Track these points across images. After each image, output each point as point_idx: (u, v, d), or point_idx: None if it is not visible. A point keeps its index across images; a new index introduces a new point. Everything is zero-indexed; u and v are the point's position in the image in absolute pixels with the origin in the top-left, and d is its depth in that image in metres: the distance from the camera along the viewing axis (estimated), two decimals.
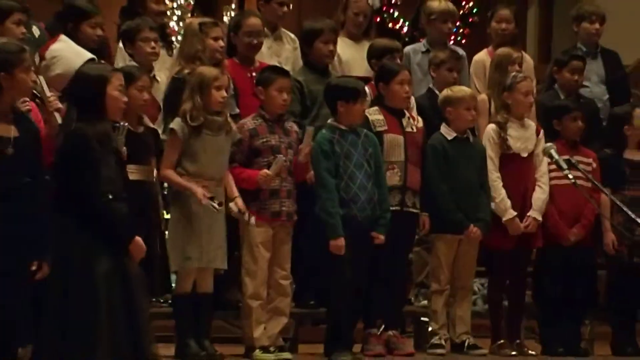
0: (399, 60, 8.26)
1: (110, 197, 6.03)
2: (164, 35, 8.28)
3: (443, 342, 8.01)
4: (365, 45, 8.53)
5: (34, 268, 5.82)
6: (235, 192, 7.30)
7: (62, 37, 7.40)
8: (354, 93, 7.30)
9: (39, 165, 6.00)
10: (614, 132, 8.55)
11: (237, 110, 7.79)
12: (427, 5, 9.20)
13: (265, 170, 7.30)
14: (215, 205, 7.07)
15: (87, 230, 5.97)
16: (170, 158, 7.16)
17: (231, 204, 7.26)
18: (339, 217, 7.24)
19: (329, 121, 7.44)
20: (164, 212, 7.36)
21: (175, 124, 7.20)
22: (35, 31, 7.60)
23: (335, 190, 7.27)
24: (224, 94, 7.25)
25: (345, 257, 7.25)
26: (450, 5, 9.25)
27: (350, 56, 8.50)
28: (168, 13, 8.63)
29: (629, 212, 5.90)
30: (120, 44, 7.76)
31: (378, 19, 14.19)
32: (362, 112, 7.48)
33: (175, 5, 12.45)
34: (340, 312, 7.41)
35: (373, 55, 8.32)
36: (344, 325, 7.41)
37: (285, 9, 8.61)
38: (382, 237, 7.43)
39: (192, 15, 8.61)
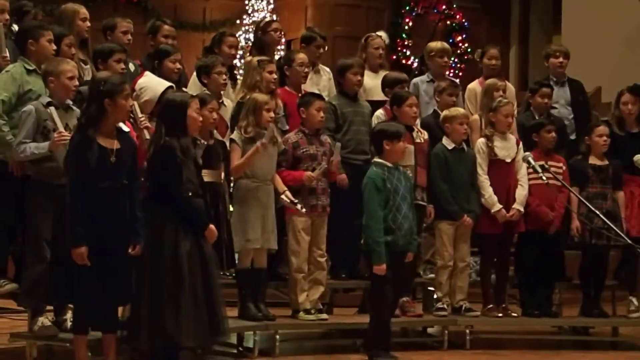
0: (406, 89, 8.22)
1: (190, 194, 6.12)
2: (231, 71, 8.29)
3: (445, 307, 8.00)
4: (383, 75, 8.50)
5: (131, 248, 5.86)
6: (284, 187, 7.29)
7: (147, 72, 7.35)
8: (397, 134, 6.93)
9: (135, 170, 6.00)
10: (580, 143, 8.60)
11: (287, 127, 7.77)
12: (428, 46, 9.19)
13: (310, 172, 7.34)
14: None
15: (173, 220, 6.07)
16: (235, 158, 7.15)
17: (282, 196, 7.25)
18: (384, 245, 6.82)
19: (376, 159, 7.05)
20: (230, 205, 7.36)
21: (235, 135, 7.24)
22: (131, 67, 7.62)
23: (382, 222, 6.84)
24: (272, 114, 7.27)
25: (387, 276, 6.86)
26: (446, 45, 9.22)
27: (372, 84, 8.44)
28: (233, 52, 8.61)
29: (589, 205, 5.88)
30: (194, 75, 7.78)
31: (394, 57, 14.29)
32: (403, 150, 7.10)
33: (240, 46, 12.50)
34: (380, 322, 7.00)
35: (386, 85, 8.29)
36: (384, 333, 7.01)
37: (322, 50, 8.64)
38: (411, 255, 7.14)
39: (251, 55, 8.61)
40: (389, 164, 6.91)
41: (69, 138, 6.05)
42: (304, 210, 7.28)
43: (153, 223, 5.98)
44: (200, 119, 6.39)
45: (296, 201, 7.26)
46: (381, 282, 6.87)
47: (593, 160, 8.25)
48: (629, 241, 5.66)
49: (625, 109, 8.39)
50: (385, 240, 6.79)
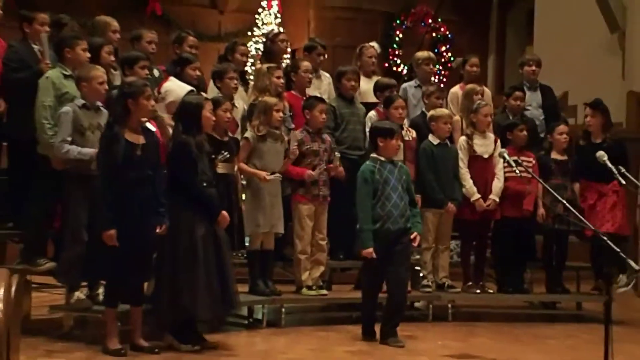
0: (395, 92, 8.21)
1: (205, 184, 6.14)
2: (243, 77, 8.30)
3: (430, 284, 8.01)
4: (375, 80, 8.50)
5: (158, 228, 5.90)
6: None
7: (171, 77, 7.37)
8: (390, 132, 6.72)
9: (158, 162, 6.05)
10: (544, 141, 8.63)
11: (293, 126, 7.76)
12: (416, 55, 9.18)
13: (311, 171, 7.35)
14: (273, 176, 7.12)
15: (189, 207, 6.10)
16: (242, 156, 7.16)
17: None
18: (371, 233, 6.55)
19: (372, 154, 6.82)
20: (242, 195, 7.37)
21: (248, 133, 7.25)
22: (156, 72, 7.61)
23: (370, 210, 6.59)
24: (281, 115, 7.28)
25: (375, 261, 6.60)
26: (431, 54, 9.22)
27: (366, 88, 8.41)
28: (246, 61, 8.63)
29: (555, 194, 5.89)
30: (212, 81, 7.79)
31: (386, 64, 14.31)
32: (396, 146, 6.87)
33: (250, 55, 12.48)
34: (366, 300, 6.84)
35: (377, 89, 8.28)
36: (370, 309, 6.85)
37: (322, 57, 8.62)
38: (416, 233, 6.72)
39: (261, 62, 8.62)
40: (382, 158, 6.73)
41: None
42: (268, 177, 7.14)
43: (172, 210, 6.00)
44: (214, 118, 6.42)
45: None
46: (368, 265, 6.72)
47: (555, 155, 8.27)
48: (590, 225, 5.68)
49: (585, 121, 8.33)
50: (373, 227, 6.56)
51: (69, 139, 6.22)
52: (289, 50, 9.78)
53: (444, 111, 8.08)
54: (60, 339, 6.31)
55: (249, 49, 13.02)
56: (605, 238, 4.89)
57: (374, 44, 9.01)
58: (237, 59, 8.20)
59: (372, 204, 6.60)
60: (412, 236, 6.69)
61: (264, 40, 9.28)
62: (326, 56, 8.78)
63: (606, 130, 8.24)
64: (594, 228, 5.79)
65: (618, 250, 4.81)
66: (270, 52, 8.61)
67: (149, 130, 6.11)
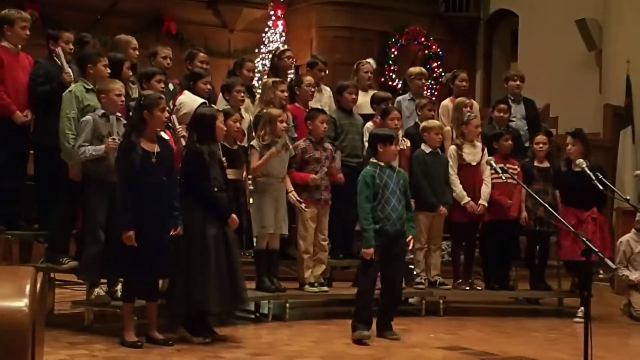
0: (390, 105, 8.17)
1: (216, 189, 6.11)
2: (250, 91, 8.28)
3: (423, 281, 7.98)
4: (371, 94, 8.47)
5: (172, 230, 5.88)
6: (290, 188, 7.26)
7: (185, 91, 7.37)
8: (389, 138, 6.50)
9: (172, 169, 6.02)
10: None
11: (295, 135, 7.75)
12: (409, 70, 9.17)
13: (314, 175, 7.33)
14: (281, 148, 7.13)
15: (201, 210, 6.06)
16: (254, 161, 7.11)
17: (289, 195, 7.26)
18: (372, 232, 6.34)
19: (371, 159, 6.59)
20: (250, 198, 7.35)
21: (254, 142, 7.22)
22: (171, 86, 7.59)
23: (370, 212, 6.36)
24: (285, 125, 7.24)
25: (374, 260, 6.37)
26: (423, 70, 9.23)
27: (362, 101, 8.37)
28: (253, 76, 8.62)
29: (539, 199, 5.85)
30: (221, 94, 7.78)
31: (382, 79, 14.33)
32: (395, 152, 6.68)
33: (257, 70, 12.50)
34: (363, 298, 6.50)
35: (374, 102, 8.23)
36: (365, 307, 6.49)
37: (323, 73, 8.61)
38: (411, 236, 6.60)
39: (268, 76, 8.61)
40: (382, 163, 6.52)
41: (119, 143, 6.09)
42: (306, 209, 7.25)
43: (185, 213, 5.97)
44: (225, 128, 6.40)
45: (301, 201, 7.25)
46: (366, 264, 6.48)
47: (537, 162, 8.25)
48: (570, 227, 5.64)
49: (566, 149, 7.92)
50: (374, 227, 6.37)
51: (86, 144, 6.21)
52: (293, 66, 9.77)
53: (435, 122, 8.05)
54: (81, 332, 6.29)
55: (256, 65, 13.08)
56: (584, 239, 4.85)
57: (370, 60, 8.99)
58: (245, 74, 8.18)
59: (372, 206, 6.42)
60: (407, 239, 6.56)
61: (272, 56, 9.26)
62: (327, 71, 8.77)
63: (586, 157, 8.03)
64: (574, 230, 5.75)
65: (597, 251, 4.77)
66: (277, 68, 8.59)
67: (164, 139, 6.09)
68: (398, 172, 6.63)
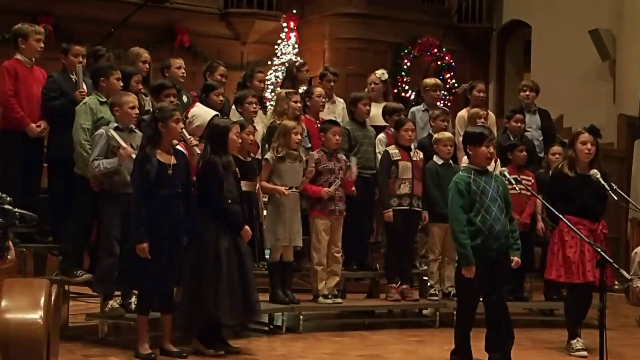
0: (403, 116, 8.19)
1: (229, 201, 6.11)
2: (262, 101, 8.30)
3: (437, 292, 7.97)
4: (383, 105, 8.48)
5: (186, 241, 5.91)
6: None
7: (197, 104, 7.40)
8: (479, 137, 5.66)
9: (188, 181, 6.04)
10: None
11: (309, 145, 7.77)
12: (424, 81, 9.19)
13: (327, 189, 7.32)
14: (290, 191, 7.11)
15: (215, 221, 6.06)
16: (264, 175, 7.15)
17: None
18: (470, 247, 5.45)
19: (464, 164, 5.98)
20: (263, 210, 7.35)
21: (268, 154, 7.24)
22: (184, 98, 7.63)
23: (466, 224, 5.49)
24: (299, 137, 7.26)
25: (475, 281, 5.51)
26: (438, 81, 9.26)
27: (375, 112, 8.40)
28: (264, 87, 8.66)
29: (553, 209, 5.82)
30: (233, 106, 7.81)
31: (395, 90, 14.33)
32: (487, 153, 5.67)
33: (269, 82, 12.55)
34: (461, 334, 5.86)
35: (386, 113, 8.27)
36: (464, 344, 5.84)
37: (333, 83, 8.62)
38: (517, 259, 5.67)
39: (282, 86, 8.65)
40: (476, 167, 5.70)
41: (131, 152, 6.13)
42: (285, 192, 7.11)
43: (199, 224, 5.99)
44: (240, 140, 6.41)
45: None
46: (464, 289, 5.63)
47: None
48: (586, 239, 5.62)
49: (584, 149, 6.59)
50: (475, 243, 5.48)
51: (100, 157, 6.24)
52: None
53: (445, 134, 8.03)
54: (95, 344, 6.31)
55: (269, 76, 13.12)
56: (599, 250, 4.83)
57: (377, 72, 8.96)
58: (256, 85, 8.22)
59: (468, 218, 5.54)
60: (512, 264, 5.67)
61: (289, 65, 9.29)
62: (337, 82, 8.79)
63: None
64: (588, 241, 5.72)
65: (612, 261, 4.75)
66: (295, 79, 8.64)
67: (179, 151, 6.11)
68: (495, 177, 5.78)
